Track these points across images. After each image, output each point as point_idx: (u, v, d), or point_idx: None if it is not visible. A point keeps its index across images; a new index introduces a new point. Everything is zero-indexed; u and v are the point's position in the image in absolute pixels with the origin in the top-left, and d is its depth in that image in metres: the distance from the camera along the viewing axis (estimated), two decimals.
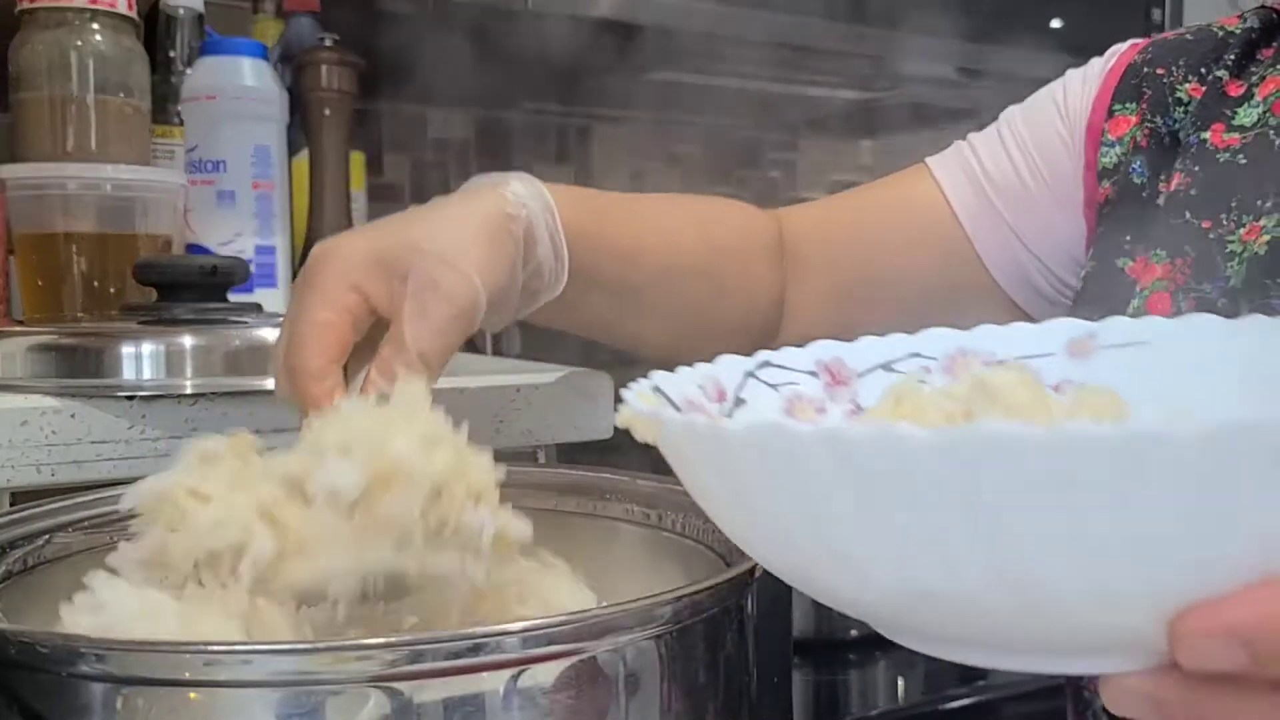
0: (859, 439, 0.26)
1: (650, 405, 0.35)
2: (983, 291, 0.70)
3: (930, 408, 0.37)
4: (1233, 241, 0.58)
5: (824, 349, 0.43)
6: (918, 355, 0.44)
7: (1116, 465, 0.24)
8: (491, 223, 0.53)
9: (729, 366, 0.42)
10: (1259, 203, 0.57)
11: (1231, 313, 0.56)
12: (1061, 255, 0.68)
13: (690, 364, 0.41)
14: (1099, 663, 0.28)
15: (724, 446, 0.29)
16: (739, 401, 0.41)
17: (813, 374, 0.43)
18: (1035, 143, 0.69)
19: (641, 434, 0.32)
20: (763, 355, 0.43)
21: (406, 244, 0.50)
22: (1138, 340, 0.42)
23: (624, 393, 0.35)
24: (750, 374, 0.42)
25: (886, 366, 0.44)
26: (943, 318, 0.75)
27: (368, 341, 0.51)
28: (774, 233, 0.73)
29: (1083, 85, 0.69)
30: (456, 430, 0.43)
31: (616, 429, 0.83)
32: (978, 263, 0.70)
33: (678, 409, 0.38)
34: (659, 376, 0.39)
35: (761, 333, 0.72)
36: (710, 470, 0.31)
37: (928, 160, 0.73)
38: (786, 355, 0.43)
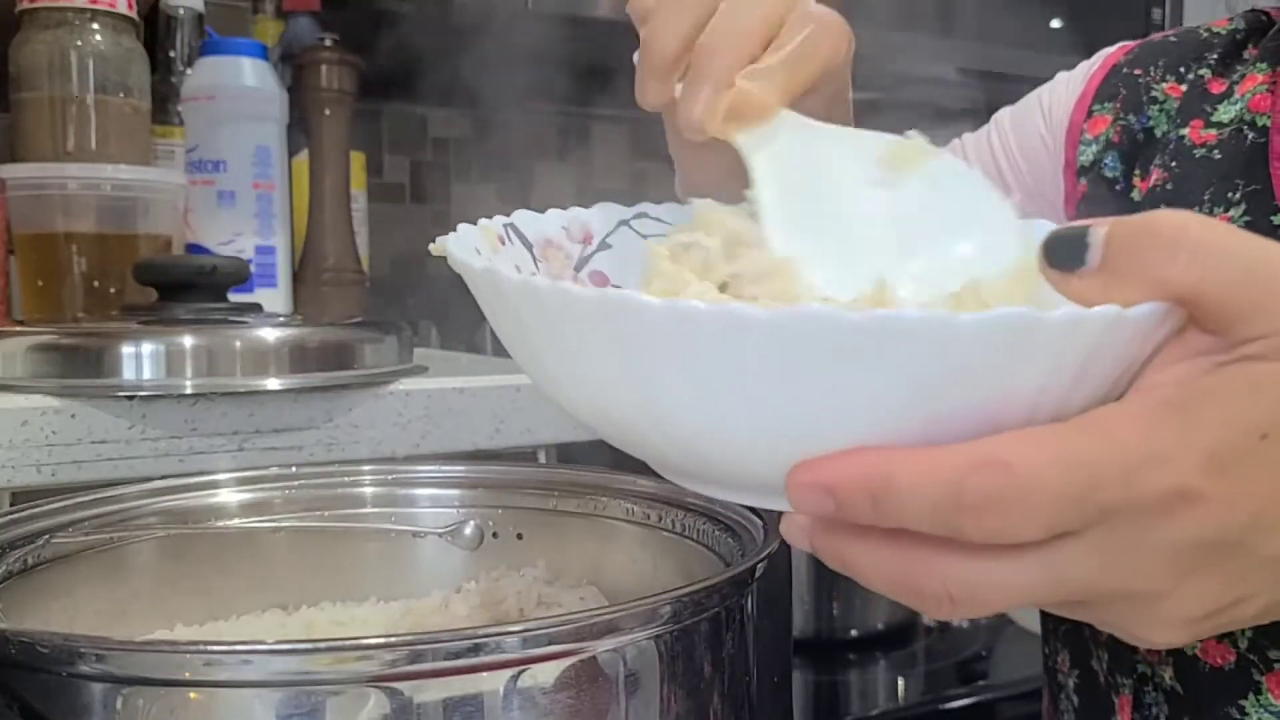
0: (542, 290, 0.31)
1: (490, 243, 0.39)
2: None
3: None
4: None
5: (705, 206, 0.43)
6: None
7: (715, 341, 0.29)
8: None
9: (605, 212, 0.43)
10: (1229, 195, 0.59)
11: None
12: None
13: None
14: (776, 501, 0.33)
15: (469, 276, 0.34)
16: (604, 245, 0.43)
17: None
18: (1019, 144, 0.70)
19: (454, 266, 0.36)
20: (642, 206, 0.44)
21: None
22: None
23: (462, 225, 0.38)
24: (625, 222, 0.43)
25: None
26: None
27: None
28: None
29: (1066, 87, 0.70)
30: None
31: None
32: None
33: (530, 248, 0.41)
34: (520, 214, 0.41)
35: None
36: (480, 300, 0.35)
37: None
38: (667, 209, 0.43)
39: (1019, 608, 0.32)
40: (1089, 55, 0.72)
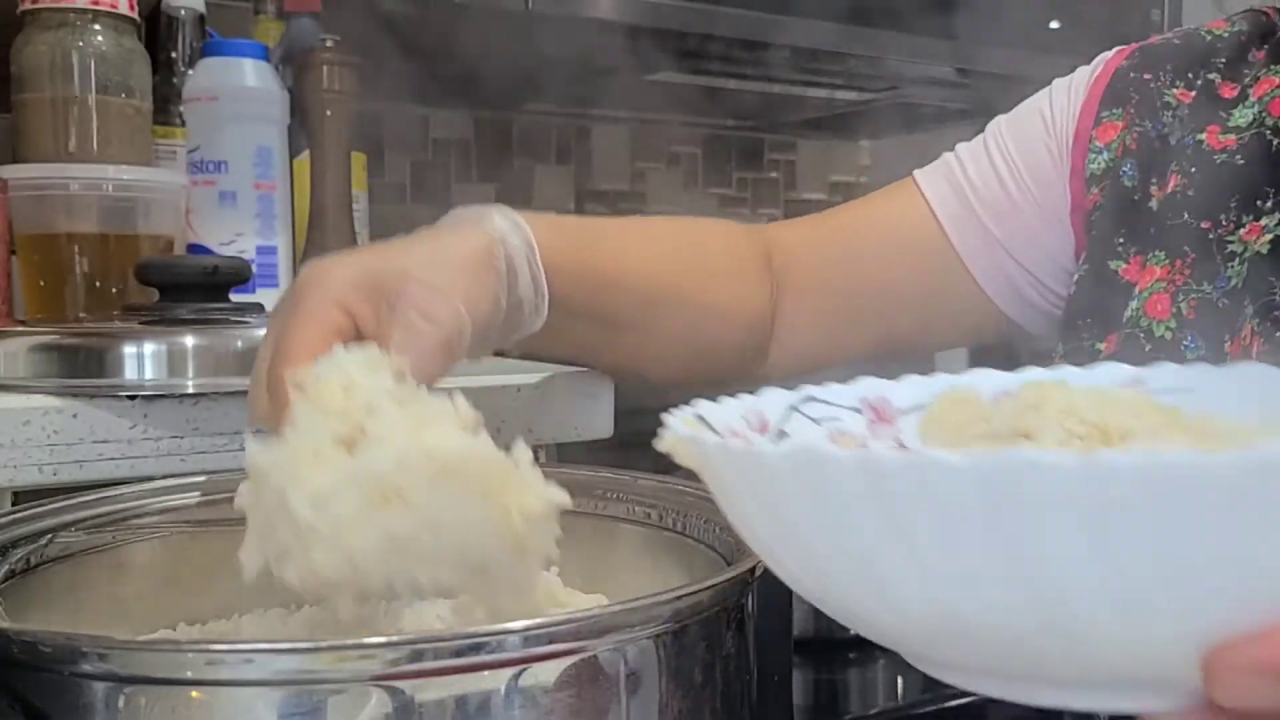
0: (893, 465, 0.26)
1: (692, 430, 0.35)
2: (974, 304, 0.70)
3: (1050, 425, 0.35)
4: (1233, 241, 0.58)
5: (869, 386, 0.44)
6: None
7: (1150, 496, 0.25)
8: (477, 256, 0.54)
9: (772, 399, 0.43)
10: (1258, 202, 0.58)
11: (1233, 312, 0.56)
12: (1050, 266, 0.68)
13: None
14: (1136, 700, 0.28)
15: (761, 470, 0.30)
16: (781, 434, 0.42)
17: (856, 410, 0.44)
18: (1021, 154, 0.69)
19: (683, 458, 0.33)
20: (807, 390, 0.43)
21: (396, 270, 0.50)
22: (1184, 387, 0.41)
23: (666, 418, 0.36)
24: (794, 408, 0.43)
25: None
26: (934, 333, 0.75)
27: None
28: (761, 251, 0.73)
29: (1068, 94, 0.69)
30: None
31: (615, 428, 0.82)
32: (967, 276, 0.69)
33: (719, 435, 0.38)
34: (703, 405, 0.40)
35: (753, 351, 0.72)
36: (748, 495, 0.31)
37: (915, 174, 0.73)
38: (831, 391, 0.43)
39: None
40: (1089, 56, 0.71)
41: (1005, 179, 0.69)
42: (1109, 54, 0.69)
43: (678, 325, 0.68)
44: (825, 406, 0.43)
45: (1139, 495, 0.25)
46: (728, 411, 0.40)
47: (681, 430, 0.34)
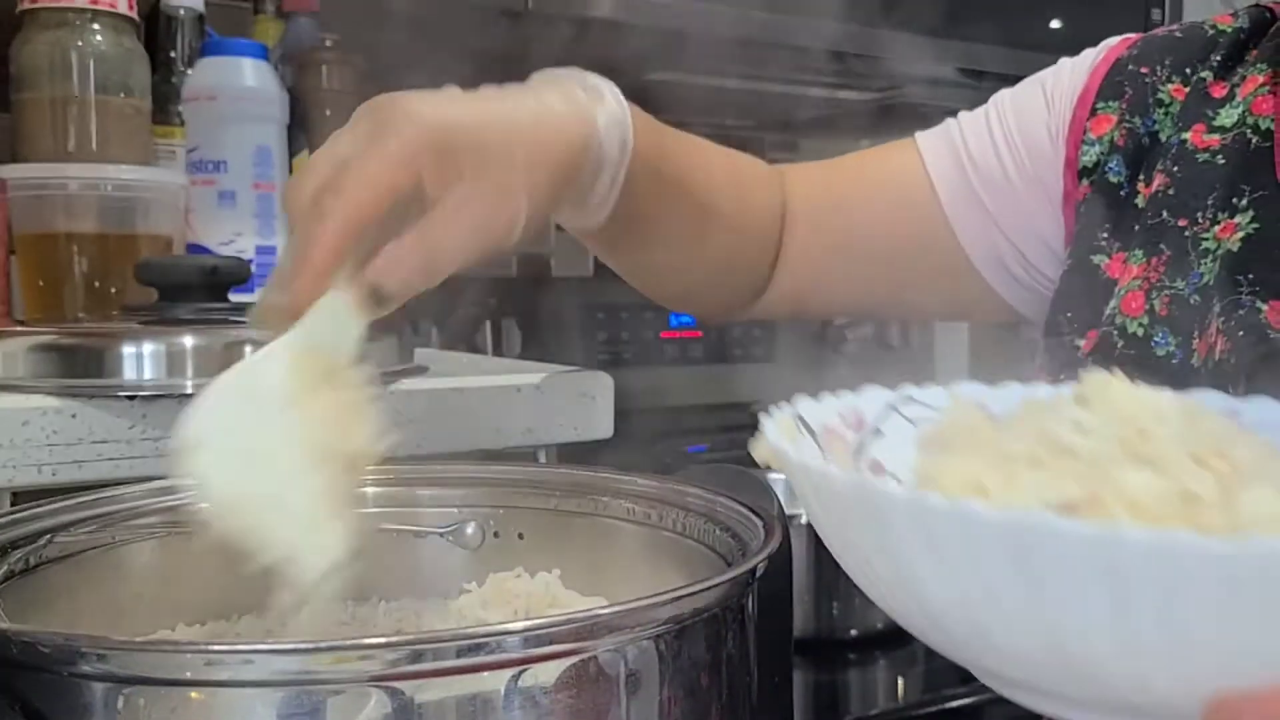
0: (937, 509, 0.29)
1: (789, 434, 0.38)
2: (954, 269, 0.70)
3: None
4: (1207, 239, 0.58)
5: (968, 390, 0.44)
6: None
7: (1159, 569, 0.27)
8: (571, 153, 0.52)
9: (872, 397, 0.44)
10: (1234, 200, 0.58)
11: (1203, 309, 0.57)
12: (1040, 247, 0.68)
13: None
14: None
15: (827, 490, 0.33)
16: (877, 433, 0.43)
17: None
18: (1021, 131, 0.68)
19: (775, 465, 0.36)
20: (907, 390, 0.44)
21: (480, 139, 0.48)
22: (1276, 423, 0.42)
23: (764, 420, 0.37)
24: (893, 407, 0.44)
25: None
26: (913, 292, 0.75)
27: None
28: (779, 186, 0.75)
29: (1070, 76, 0.68)
30: None
31: (615, 428, 0.82)
32: (952, 240, 0.70)
33: (814, 436, 0.40)
34: (802, 403, 0.41)
35: (760, 282, 0.74)
36: (817, 506, 0.34)
37: (917, 136, 0.73)
38: (930, 394, 0.44)
39: None
40: None
41: (1003, 153, 0.69)
42: (1114, 40, 0.69)
43: (716, 239, 0.69)
44: (924, 409, 0.44)
45: (1145, 568, 0.27)
46: (825, 409, 0.42)
47: (774, 439, 0.36)
